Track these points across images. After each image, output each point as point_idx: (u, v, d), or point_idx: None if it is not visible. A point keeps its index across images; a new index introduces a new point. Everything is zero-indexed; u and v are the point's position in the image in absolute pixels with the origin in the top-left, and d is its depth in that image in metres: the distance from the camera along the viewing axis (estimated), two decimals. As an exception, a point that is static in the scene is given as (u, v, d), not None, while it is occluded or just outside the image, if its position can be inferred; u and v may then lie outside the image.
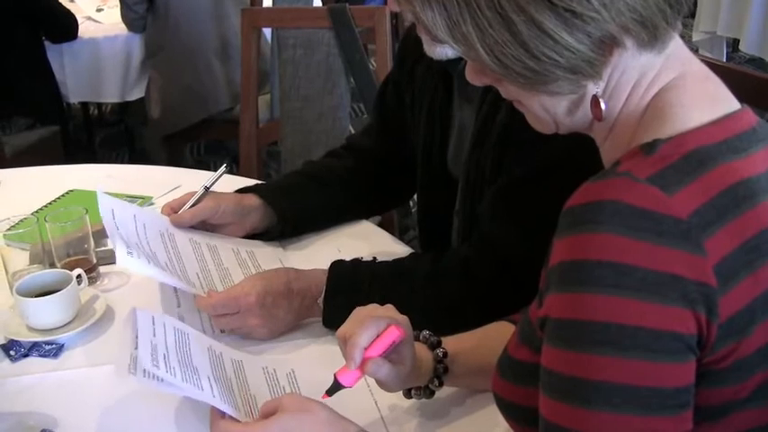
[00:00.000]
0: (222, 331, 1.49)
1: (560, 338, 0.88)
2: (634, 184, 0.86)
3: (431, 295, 1.44)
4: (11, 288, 1.57)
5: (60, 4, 3.83)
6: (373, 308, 1.22)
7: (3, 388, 1.36)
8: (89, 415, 1.30)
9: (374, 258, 1.55)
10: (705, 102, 0.94)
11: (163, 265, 1.53)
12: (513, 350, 1.04)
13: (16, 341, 1.47)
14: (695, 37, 4.94)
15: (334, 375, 1.15)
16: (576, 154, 1.08)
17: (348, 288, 1.46)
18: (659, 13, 0.89)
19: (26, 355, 1.45)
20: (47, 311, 1.49)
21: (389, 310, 1.21)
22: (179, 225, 1.70)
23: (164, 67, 3.81)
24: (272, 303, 1.45)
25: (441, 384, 1.25)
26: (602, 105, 0.94)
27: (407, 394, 1.26)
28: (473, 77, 0.99)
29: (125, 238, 1.52)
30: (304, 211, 1.78)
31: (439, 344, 1.26)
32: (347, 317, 1.22)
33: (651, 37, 0.91)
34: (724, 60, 4.81)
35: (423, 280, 1.45)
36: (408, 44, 1.71)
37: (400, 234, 2.46)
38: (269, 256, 1.71)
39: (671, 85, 0.95)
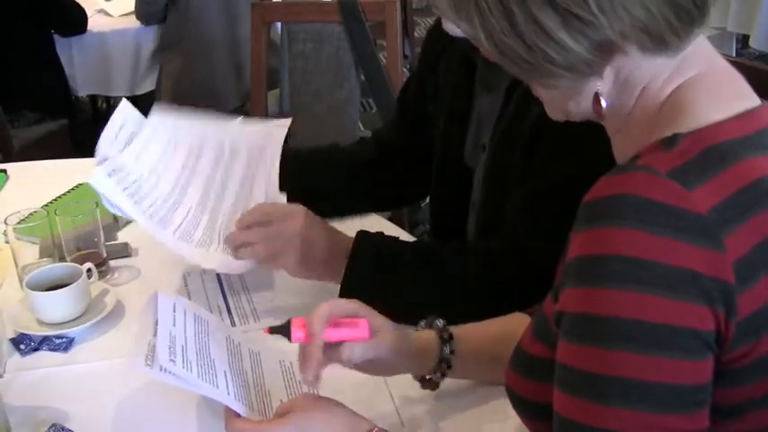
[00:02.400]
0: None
1: (577, 334, 0.88)
2: (654, 179, 0.85)
3: (453, 275, 1.44)
4: (21, 282, 1.57)
5: None
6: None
7: (13, 382, 1.35)
8: (100, 409, 1.30)
9: (397, 238, 1.54)
10: (726, 98, 0.93)
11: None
12: (527, 345, 1.03)
13: (26, 335, 1.46)
14: (705, 33, 4.92)
15: (289, 321, 1.16)
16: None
17: (372, 258, 1.45)
18: (666, 24, 0.87)
19: (36, 349, 1.44)
20: (57, 305, 1.48)
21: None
22: None
23: (178, 59, 3.80)
24: (315, 233, 1.45)
25: (449, 367, 1.23)
26: (603, 103, 0.94)
27: (421, 382, 1.26)
28: (484, 52, 0.98)
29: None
30: (307, 192, 1.75)
31: (446, 328, 1.25)
32: (365, 286, 1.30)
33: (657, 45, 0.89)
34: (733, 56, 4.79)
35: (448, 260, 1.45)
36: (433, 37, 1.71)
37: (410, 229, 2.45)
38: None
39: (691, 81, 0.94)
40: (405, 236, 1.73)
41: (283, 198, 1.66)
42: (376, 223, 1.82)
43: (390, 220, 1.90)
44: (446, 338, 1.24)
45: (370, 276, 1.43)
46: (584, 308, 0.87)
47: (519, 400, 1.05)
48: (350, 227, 1.73)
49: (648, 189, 0.84)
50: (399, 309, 1.27)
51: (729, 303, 0.84)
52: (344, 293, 1.42)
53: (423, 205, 2.28)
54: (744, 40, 5.22)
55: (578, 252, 0.87)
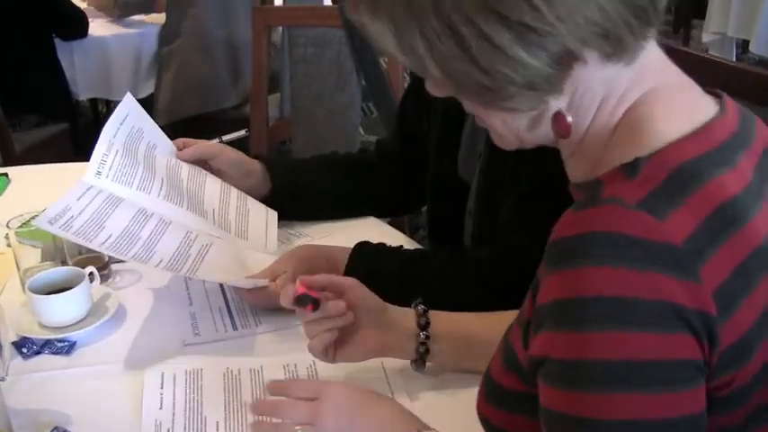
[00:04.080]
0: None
1: (566, 380, 0.83)
2: (624, 212, 0.81)
3: (443, 288, 1.45)
4: (23, 285, 1.57)
5: (71, 2, 3.82)
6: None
7: (15, 385, 1.35)
8: (101, 412, 1.30)
9: (401, 246, 1.55)
10: (683, 113, 0.90)
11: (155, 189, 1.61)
12: (498, 375, 0.99)
13: (28, 338, 1.46)
14: (705, 38, 4.93)
15: (296, 297, 1.24)
16: None
17: (366, 269, 1.47)
18: (623, 25, 0.84)
19: (38, 353, 1.44)
20: (59, 309, 1.48)
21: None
22: (183, 156, 1.79)
23: (177, 55, 3.81)
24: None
25: (426, 351, 1.28)
26: (569, 119, 0.90)
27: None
28: (432, 89, 0.95)
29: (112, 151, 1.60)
30: (297, 186, 1.81)
31: (425, 312, 1.30)
32: None
33: (616, 49, 0.87)
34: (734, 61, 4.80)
35: (439, 268, 1.47)
36: None
37: (411, 233, 2.45)
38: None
39: (645, 98, 0.91)
40: (405, 240, 1.74)
41: (273, 216, 1.74)
42: (376, 227, 1.83)
43: (391, 224, 1.90)
44: (421, 312, 1.29)
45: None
46: (571, 353, 0.83)
47: (492, 429, 1.02)
48: (352, 230, 1.75)
49: (620, 224, 0.81)
50: None
51: (712, 335, 0.81)
52: None
53: (423, 210, 2.29)
54: (744, 45, 5.22)
55: (556, 295, 0.83)
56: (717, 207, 0.84)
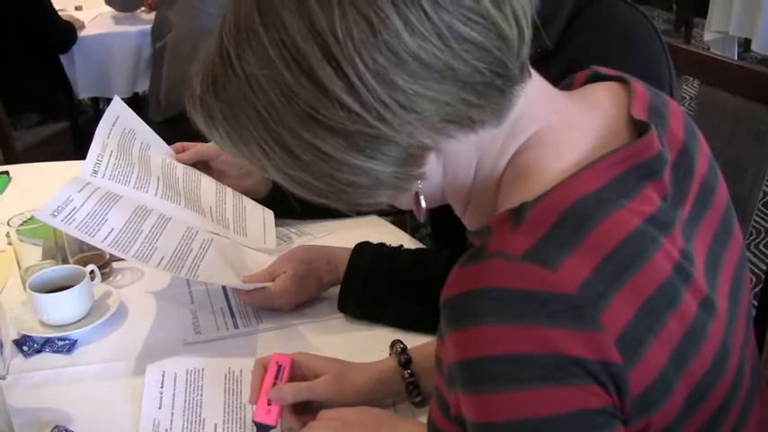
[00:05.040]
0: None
1: None
2: (510, 265, 0.77)
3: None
4: (24, 284, 1.57)
5: (58, 17, 3.78)
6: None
7: (16, 383, 1.35)
8: (103, 411, 1.30)
9: (401, 246, 1.54)
10: (577, 149, 0.85)
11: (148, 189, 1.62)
12: (437, 419, 0.94)
13: (29, 337, 1.46)
14: (707, 36, 4.94)
15: (253, 421, 1.19)
16: None
17: (367, 270, 1.47)
18: (473, 107, 0.79)
19: (39, 351, 1.44)
20: (60, 307, 1.48)
21: None
22: (182, 159, 1.80)
23: (169, 49, 3.80)
24: (304, 283, 1.50)
25: (416, 387, 1.26)
26: (423, 204, 0.87)
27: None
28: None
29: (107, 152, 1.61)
30: None
31: (404, 351, 1.27)
32: (360, 303, 1.41)
33: (473, 125, 0.82)
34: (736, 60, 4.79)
35: (439, 276, 1.44)
36: None
37: (412, 232, 2.44)
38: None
39: (529, 143, 0.86)
40: (407, 238, 1.73)
41: (270, 214, 1.75)
42: (378, 226, 1.82)
43: (393, 222, 1.89)
44: (404, 362, 1.26)
45: (363, 291, 1.47)
46: (479, 416, 0.79)
47: None
48: (353, 229, 1.74)
49: (506, 278, 0.76)
50: (395, 319, 1.38)
51: (619, 384, 0.77)
52: (341, 306, 1.49)
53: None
54: (746, 44, 5.22)
55: (455, 357, 0.79)
56: (613, 247, 0.78)
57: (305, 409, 1.24)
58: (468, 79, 0.77)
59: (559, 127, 0.87)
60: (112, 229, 1.44)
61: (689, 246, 0.87)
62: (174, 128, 3.87)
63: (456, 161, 0.86)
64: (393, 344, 1.30)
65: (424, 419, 1.12)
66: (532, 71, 0.87)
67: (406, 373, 1.26)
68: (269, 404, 1.19)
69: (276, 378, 1.22)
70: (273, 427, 1.19)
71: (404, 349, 1.28)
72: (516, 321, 0.75)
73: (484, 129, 0.83)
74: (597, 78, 0.97)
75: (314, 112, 0.77)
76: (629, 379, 0.77)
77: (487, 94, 0.79)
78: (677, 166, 0.91)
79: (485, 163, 0.87)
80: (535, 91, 0.87)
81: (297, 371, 1.25)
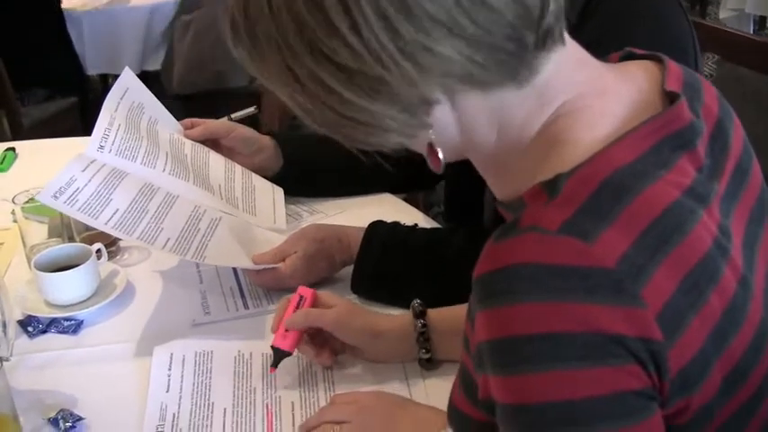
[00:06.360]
0: None
1: (515, 426, 0.77)
2: (545, 239, 0.74)
3: (461, 271, 1.40)
4: (29, 262, 1.54)
5: None
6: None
7: (20, 365, 1.32)
8: (109, 394, 1.27)
9: (415, 224, 1.51)
10: (612, 118, 0.83)
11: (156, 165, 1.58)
12: (459, 402, 0.92)
13: (34, 317, 1.43)
14: (722, 14, 4.92)
15: (271, 346, 1.24)
16: None
17: (381, 249, 1.45)
18: (502, 66, 0.79)
19: (44, 332, 1.41)
20: (66, 287, 1.45)
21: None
22: (191, 135, 1.77)
23: (194, 25, 3.77)
24: (315, 263, 1.48)
25: (427, 340, 1.26)
26: (440, 155, 0.85)
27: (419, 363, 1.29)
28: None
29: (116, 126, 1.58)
30: (310, 161, 1.79)
31: (421, 305, 1.28)
32: (373, 284, 1.41)
33: (499, 83, 0.81)
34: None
35: (455, 255, 1.42)
36: None
37: (425, 209, 2.42)
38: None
39: (562, 111, 0.83)
40: (421, 216, 1.70)
41: (279, 192, 1.73)
42: (391, 204, 1.79)
43: (406, 200, 1.86)
44: (418, 312, 1.27)
45: (377, 271, 1.44)
46: (512, 398, 0.76)
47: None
48: (366, 207, 1.71)
49: (543, 253, 0.74)
50: (410, 299, 1.31)
51: (659, 362, 0.74)
52: (354, 286, 1.47)
53: (437, 186, 2.26)
54: (761, 22, 5.20)
55: (486, 336, 0.77)
56: (654, 219, 0.76)
57: (324, 345, 1.28)
58: (476, 39, 0.77)
59: (594, 95, 0.84)
60: (117, 209, 1.40)
61: (726, 222, 0.84)
62: (184, 105, 3.85)
63: (472, 120, 0.84)
64: (412, 304, 1.29)
65: (436, 400, 1.12)
66: (568, 40, 0.84)
67: (419, 322, 1.26)
68: (286, 331, 1.25)
69: (297, 308, 1.27)
70: (289, 354, 1.24)
71: (421, 304, 1.28)
72: (553, 298, 0.73)
73: (501, 91, 0.82)
74: (630, 58, 0.95)
75: (321, 45, 0.77)
76: (668, 357, 0.75)
77: (495, 56, 0.78)
78: (713, 140, 0.89)
79: (509, 127, 0.85)
80: (569, 59, 0.84)
81: (318, 304, 1.29)
